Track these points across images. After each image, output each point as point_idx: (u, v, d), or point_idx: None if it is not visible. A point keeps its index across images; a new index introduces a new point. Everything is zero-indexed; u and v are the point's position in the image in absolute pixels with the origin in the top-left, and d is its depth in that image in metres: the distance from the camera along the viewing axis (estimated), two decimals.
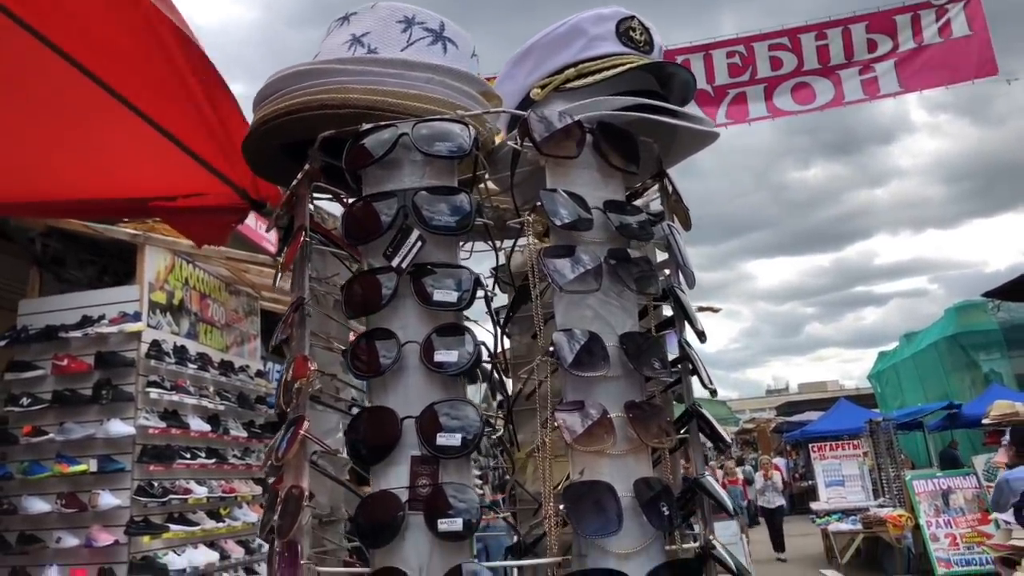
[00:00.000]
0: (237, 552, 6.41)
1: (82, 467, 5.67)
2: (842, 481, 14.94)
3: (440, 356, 1.47)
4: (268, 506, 1.58)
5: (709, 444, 1.82)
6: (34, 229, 6.74)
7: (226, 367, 7.24)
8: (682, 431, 1.69)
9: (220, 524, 6.39)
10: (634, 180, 1.83)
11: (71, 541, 5.50)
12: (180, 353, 6.49)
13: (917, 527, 10.92)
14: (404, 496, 1.42)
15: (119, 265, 7.27)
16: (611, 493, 1.44)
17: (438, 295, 1.50)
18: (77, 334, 6.06)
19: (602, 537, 1.43)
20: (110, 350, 6.05)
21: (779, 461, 19.59)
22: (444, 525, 1.38)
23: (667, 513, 1.48)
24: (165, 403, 6.18)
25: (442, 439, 1.43)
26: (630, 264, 1.62)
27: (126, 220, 6.84)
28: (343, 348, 1.65)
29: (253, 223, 8.36)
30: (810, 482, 18.50)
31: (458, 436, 1.43)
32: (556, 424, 1.46)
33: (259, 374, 7.87)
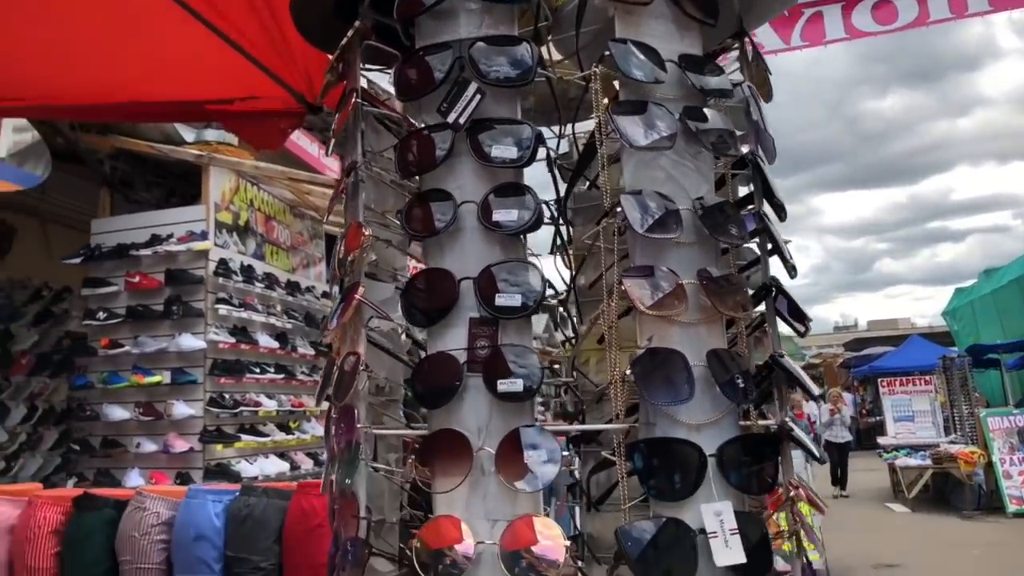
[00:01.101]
0: (306, 463, 6.58)
1: (157, 378, 5.85)
2: (912, 417, 14.60)
3: (499, 215, 1.38)
4: (325, 374, 1.54)
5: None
6: (102, 151, 6.86)
7: (292, 287, 7.34)
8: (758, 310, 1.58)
9: (290, 436, 6.56)
10: (711, 38, 1.68)
11: (150, 447, 5.72)
12: (247, 272, 6.59)
13: (989, 464, 10.64)
14: (462, 358, 1.35)
15: (185, 187, 7.37)
16: (682, 362, 1.35)
17: (497, 151, 1.40)
18: (147, 252, 6.20)
19: (672, 406, 1.34)
20: (179, 268, 6.18)
21: (846, 396, 19.26)
22: (504, 386, 1.31)
23: (742, 386, 1.39)
24: (234, 319, 6.31)
25: (501, 299, 1.35)
26: (707, 124, 1.49)
27: (190, 143, 6.92)
28: (398, 222, 1.58)
29: (316, 151, 8.38)
30: (877, 418, 18.14)
31: (518, 296, 1.35)
32: (623, 289, 1.36)
33: (324, 295, 7.97)
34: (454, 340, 1.37)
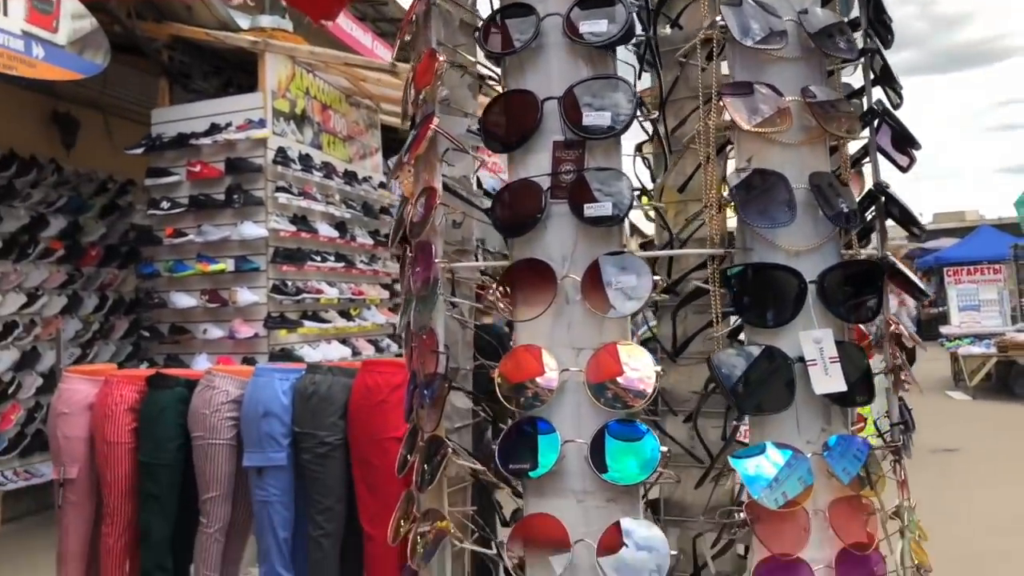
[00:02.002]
0: (368, 349, 6.69)
1: (220, 266, 5.93)
2: (977, 306, 14.24)
3: (586, 27, 1.28)
4: (398, 215, 1.49)
5: None
6: (159, 40, 6.81)
7: (350, 177, 7.31)
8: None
9: (351, 323, 6.65)
10: None
11: (216, 333, 5.85)
12: (305, 161, 6.57)
13: None
14: (546, 184, 1.28)
15: (242, 77, 7.31)
16: (783, 183, 1.26)
17: None
18: (207, 141, 6.20)
19: (771, 228, 1.26)
20: (239, 156, 6.18)
21: None
22: (591, 210, 1.24)
23: (845, 212, 1.29)
24: (294, 208, 6.33)
25: (589, 119, 1.26)
26: None
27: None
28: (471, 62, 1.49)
29: (369, 42, 8.19)
30: (940, 308, 17.73)
31: (607, 115, 1.27)
32: (721, 105, 1.27)
33: (381, 185, 7.93)
34: (536, 166, 1.30)
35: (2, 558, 5.30)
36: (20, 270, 6.53)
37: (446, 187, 1.53)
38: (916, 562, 1.38)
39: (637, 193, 1.24)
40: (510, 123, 1.32)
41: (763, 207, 1.25)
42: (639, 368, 1.21)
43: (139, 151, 6.44)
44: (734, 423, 1.64)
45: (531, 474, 1.26)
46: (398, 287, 7.92)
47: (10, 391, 6.38)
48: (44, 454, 6.55)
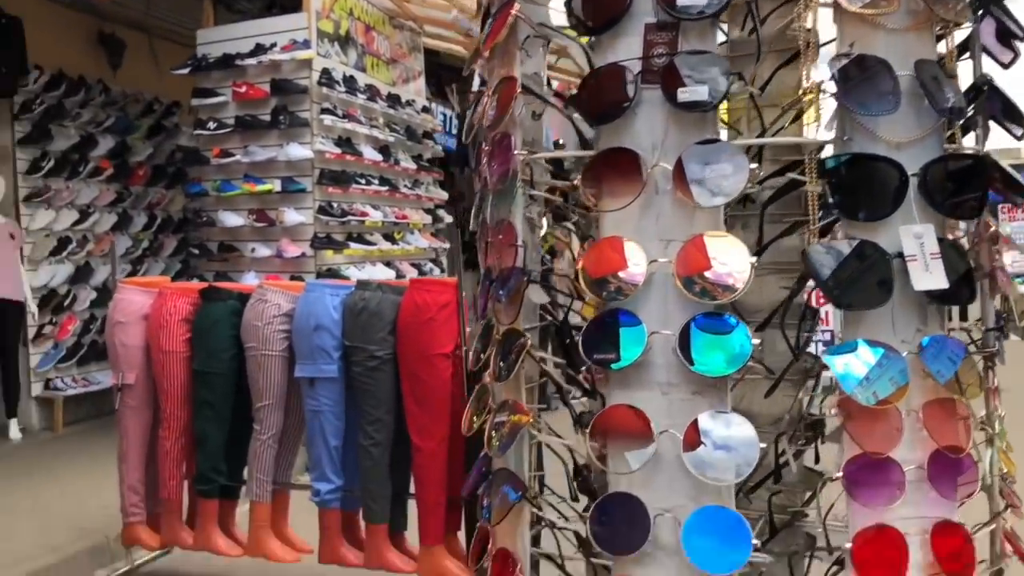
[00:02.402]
0: (411, 272, 6.71)
1: (267, 186, 5.95)
2: None
3: None
4: (473, 105, 1.45)
5: None
6: None
7: (394, 100, 7.24)
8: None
9: (395, 247, 6.67)
10: None
11: (264, 252, 5.91)
12: (350, 83, 6.51)
13: None
14: (636, 68, 1.23)
15: None
16: (886, 69, 1.20)
17: None
18: (252, 62, 6.16)
19: (874, 117, 1.21)
20: (284, 77, 6.14)
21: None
22: (685, 95, 1.20)
23: (951, 103, 1.23)
24: (339, 130, 6.29)
25: None
26: None
27: None
28: None
29: None
30: None
31: None
32: None
33: (424, 109, 7.85)
34: (626, 50, 1.25)
35: (64, 459, 5.51)
36: (72, 187, 6.62)
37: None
38: (1004, 471, 1.35)
39: (733, 79, 1.19)
40: (598, 5, 1.27)
41: (865, 95, 1.20)
42: (730, 262, 1.18)
43: (185, 71, 6.42)
44: (806, 334, 1.62)
45: (615, 366, 1.25)
46: (440, 212, 7.92)
47: (66, 303, 6.54)
48: (100, 363, 6.75)
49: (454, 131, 8.90)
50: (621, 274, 1.23)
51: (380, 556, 3.45)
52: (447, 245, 7.96)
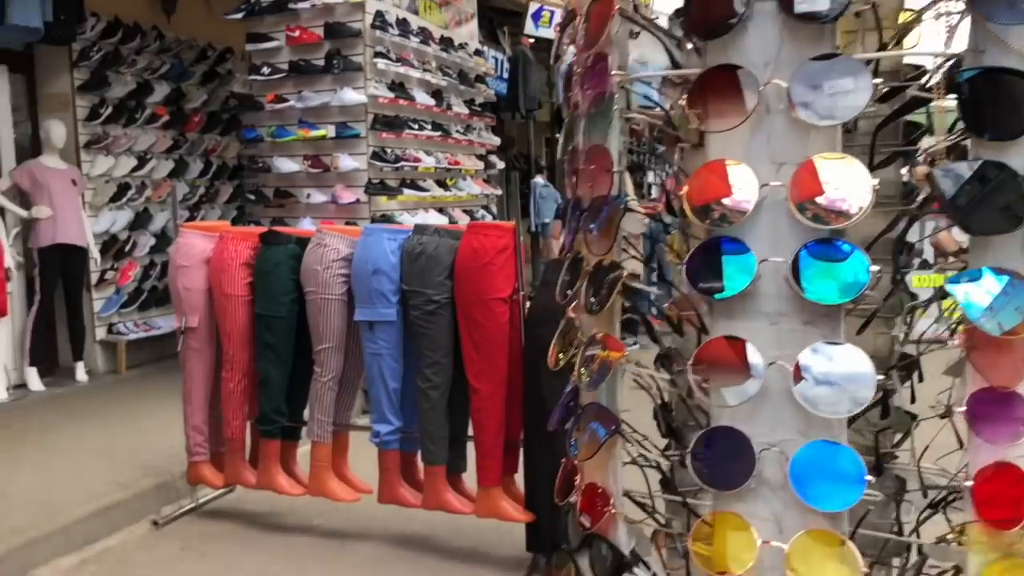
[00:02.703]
0: (463, 219, 6.67)
1: (322, 132, 5.93)
2: None
3: None
4: (564, 24, 1.38)
5: None
6: None
7: (446, 43, 7.13)
8: None
9: (447, 193, 6.63)
10: None
11: (319, 198, 5.92)
12: (403, 26, 6.40)
13: None
14: None
15: None
16: None
17: None
18: (305, 5, 6.09)
19: (1006, 26, 1.11)
20: (337, 21, 6.06)
21: None
22: (803, 5, 1.12)
23: None
24: (392, 74, 6.22)
25: None
26: None
27: None
28: None
29: None
30: None
31: None
32: None
33: (477, 53, 7.72)
34: None
35: (129, 400, 5.66)
36: (130, 134, 6.69)
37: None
38: None
39: None
40: None
41: (998, 3, 1.10)
42: (846, 185, 1.10)
43: (238, 17, 6.37)
44: (902, 269, 1.54)
45: (720, 295, 1.20)
46: (492, 158, 7.84)
47: (126, 249, 6.65)
48: (160, 308, 6.89)
49: (505, 75, 8.76)
50: (726, 200, 1.17)
51: (439, 497, 3.48)
52: (499, 192, 7.90)
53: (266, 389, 3.70)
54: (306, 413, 3.82)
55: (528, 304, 3.40)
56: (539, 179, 10.06)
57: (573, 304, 1.69)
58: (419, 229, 3.51)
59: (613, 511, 1.54)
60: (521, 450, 3.44)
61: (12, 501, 3.76)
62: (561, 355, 1.68)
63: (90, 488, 3.93)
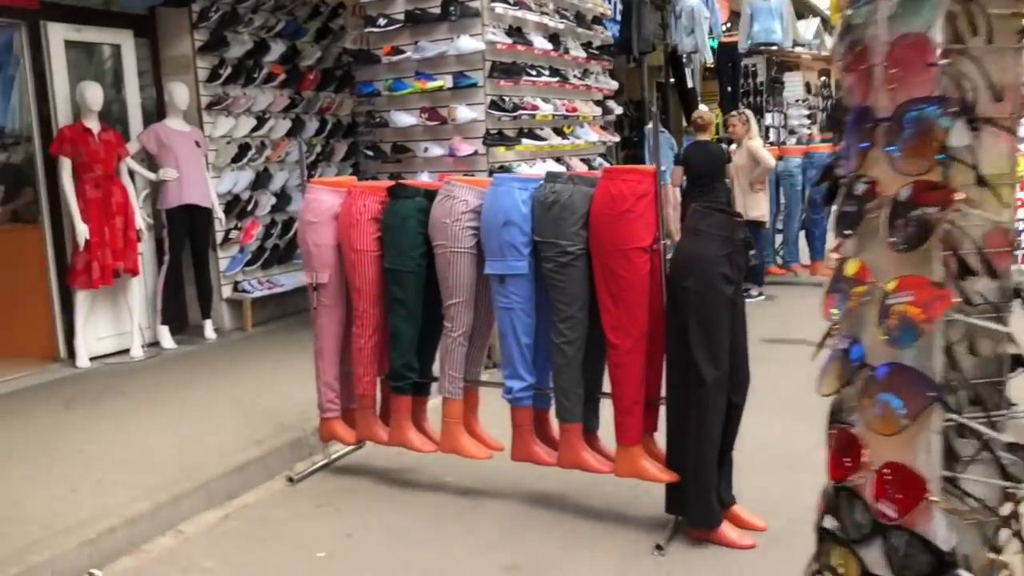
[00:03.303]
0: (581, 168, 6.45)
1: (439, 83, 5.80)
2: None
3: None
4: None
5: None
6: None
7: None
8: None
9: (565, 141, 6.42)
10: None
11: (436, 151, 5.81)
12: None
13: None
14: None
15: None
16: None
17: None
18: None
19: None
20: None
21: None
22: None
23: None
24: (509, 19, 6.01)
25: None
26: None
27: None
28: None
29: None
30: None
31: None
32: None
33: None
34: None
35: (257, 357, 5.77)
36: (248, 94, 6.75)
37: None
38: None
39: None
40: None
41: None
42: None
43: None
44: None
45: None
46: (610, 104, 7.54)
47: (249, 209, 6.76)
48: (281, 266, 7.00)
49: (618, 17, 8.38)
50: None
51: (575, 456, 3.35)
52: (617, 138, 7.61)
53: (397, 345, 3.64)
54: (436, 368, 3.75)
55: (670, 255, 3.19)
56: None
57: (845, 241, 1.42)
58: (551, 177, 3.34)
59: (931, 499, 1.29)
60: (662, 408, 3.27)
61: (156, 459, 3.85)
62: (837, 307, 1.44)
63: (227, 445, 4.00)
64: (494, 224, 3.32)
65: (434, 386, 3.79)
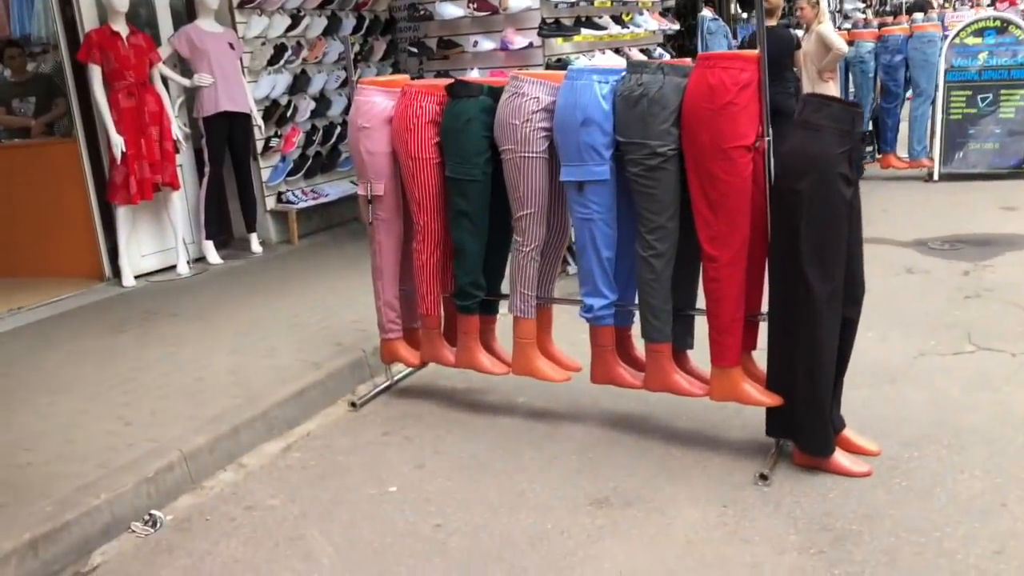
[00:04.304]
0: (640, 58, 5.95)
1: None
2: None
3: None
4: None
5: None
6: None
7: None
8: None
9: (624, 30, 5.91)
10: None
11: (487, 45, 5.37)
12: None
13: None
14: None
15: None
16: None
17: None
18: None
19: None
20: None
21: None
22: None
23: None
24: None
25: None
26: None
27: None
28: None
29: None
30: None
31: None
32: None
33: None
34: None
35: (307, 272, 5.54)
36: None
37: None
38: None
39: None
40: None
41: None
42: None
43: None
44: None
45: None
46: None
47: (288, 114, 6.39)
48: (324, 175, 6.69)
49: None
50: None
51: (665, 378, 3.06)
52: (677, 26, 7.03)
53: (462, 261, 3.33)
54: (505, 285, 3.45)
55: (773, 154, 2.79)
56: (707, 12, 9.04)
57: None
58: (635, 67, 2.92)
59: None
60: (763, 325, 2.95)
61: (210, 386, 3.64)
62: None
63: (284, 369, 3.77)
64: (571, 124, 2.94)
65: (503, 302, 3.50)
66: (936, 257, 5.22)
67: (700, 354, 3.08)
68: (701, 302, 2.99)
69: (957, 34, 7.67)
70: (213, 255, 5.90)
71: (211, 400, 3.47)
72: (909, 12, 15.33)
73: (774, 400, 2.86)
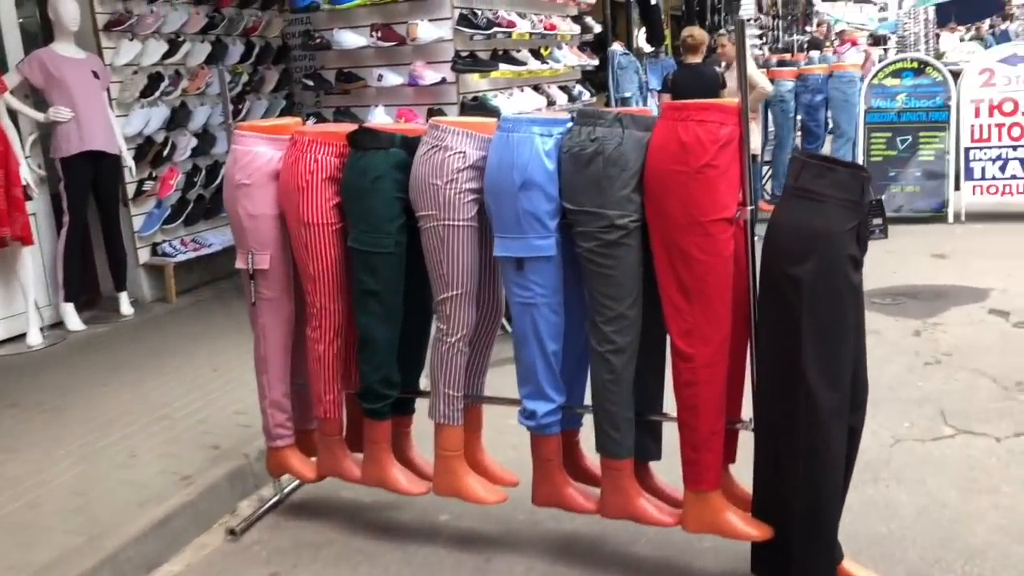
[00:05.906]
0: (560, 97, 5.47)
1: None
2: None
3: None
4: None
5: None
6: None
7: None
8: None
9: (543, 66, 5.38)
10: None
11: (393, 79, 4.74)
12: None
13: None
14: None
15: None
16: None
17: None
18: None
19: None
20: None
21: None
22: None
23: None
24: None
25: None
26: None
27: None
28: None
29: None
30: None
31: None
32: None
33: None
34: None
35: (183, 339, 4.73)
36: (157, 11, 5.51)
37: None
38: None
39: None
40: None
41: None
42: None
43: None
44: None
45: None
46: (589, 20, 6.51)
47: (165, 153, 5.56)
48: (208, 221, 5.90)
49: None
50: None
51: (626, 503, 2.47)
52: (595, 61, 6.57)
53: (370, 353, 2.66)
54: (423, 380, 2.80)
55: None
56: (617, 46, 8.71)
57: None
58: (586, 117, 2.34)
59: None
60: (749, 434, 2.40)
61: (45, 515, 2.84)
62: None
63: (144, 486, 3.00)
64: (506, 186, 2.34)
65: (427, 407, 2.85)
66: (882, 314, 4.87)
67: (668, 464, 2.51)
68: (669, 402, 2.42)
69: (875, 75, 7.54)
70: (73, 320, 5.01)
71: (43, 538, 2.67)
72: (804, 50, 15.65)
73: (763, 532, 2.30)
